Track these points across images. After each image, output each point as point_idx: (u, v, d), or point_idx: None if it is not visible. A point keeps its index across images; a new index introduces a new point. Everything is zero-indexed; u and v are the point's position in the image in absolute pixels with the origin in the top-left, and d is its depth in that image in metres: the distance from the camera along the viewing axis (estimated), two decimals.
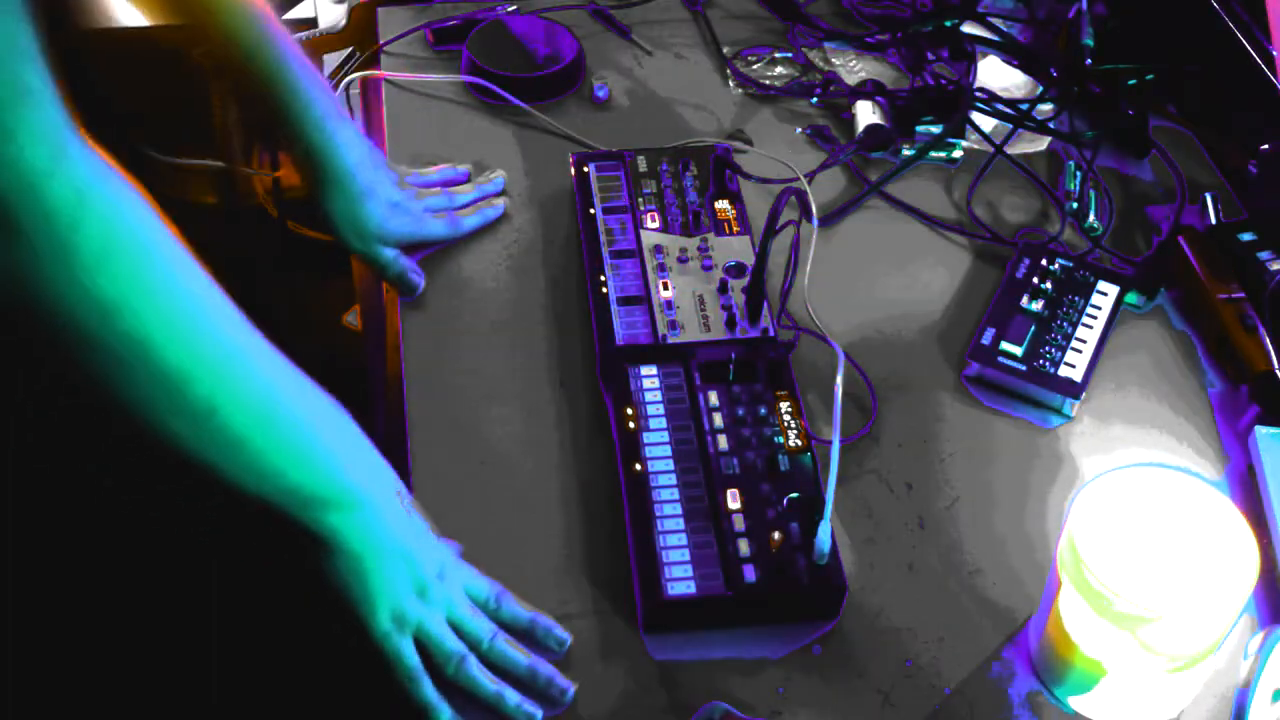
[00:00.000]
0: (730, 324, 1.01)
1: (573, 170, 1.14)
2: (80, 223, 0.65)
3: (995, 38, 1.30)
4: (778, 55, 1.32)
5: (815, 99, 1.26)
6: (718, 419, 0.94)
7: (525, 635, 0.84)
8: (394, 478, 0.84)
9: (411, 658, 0.81)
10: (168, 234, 0.70)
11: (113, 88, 1.23)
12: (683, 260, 1.06)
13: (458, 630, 0.83)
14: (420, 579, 0.82)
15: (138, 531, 0.92)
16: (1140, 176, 1.22)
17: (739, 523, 0.88)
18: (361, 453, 0.81)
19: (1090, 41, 1.24)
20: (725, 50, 1.33)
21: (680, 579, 0.85)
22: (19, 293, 0.65)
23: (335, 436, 0.80)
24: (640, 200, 1.11)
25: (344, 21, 1.55)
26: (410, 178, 1.12)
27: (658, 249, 1.07)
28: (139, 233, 0.68)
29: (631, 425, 0.94)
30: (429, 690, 0.82)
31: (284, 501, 0.78)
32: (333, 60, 1.63)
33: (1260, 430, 0.96)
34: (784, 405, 0.95)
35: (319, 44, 1.59)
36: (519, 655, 0.83)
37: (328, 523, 0.79)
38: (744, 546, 0.87)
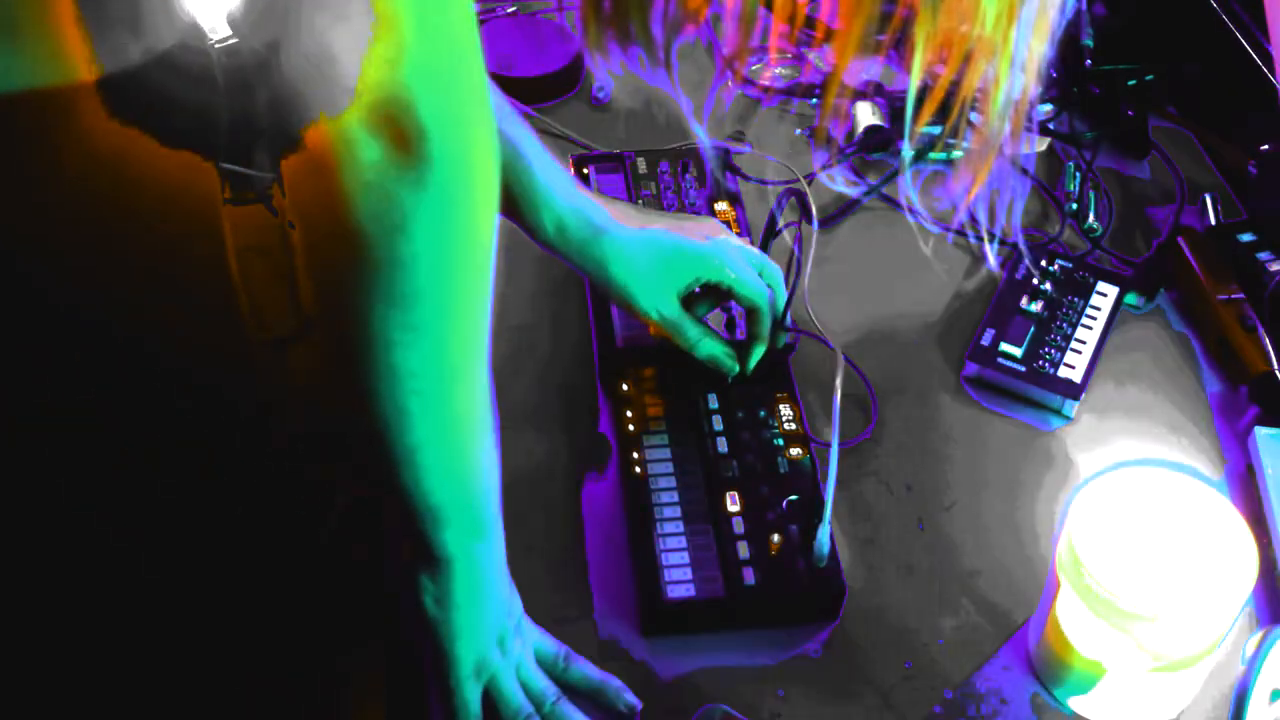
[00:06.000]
0: (730, 326, 1.01)
1: (572, 171, 1.14)
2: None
3: None
4: (778, 55, 1.32)
5: (815, 99, 1.26)
6: (717, 421, 0.94)
7: (595, 697, 0.83)
8: None
9: (477, 706, 0.80)
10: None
11: None
12: None
13: (523, 687, 0.82)
14: (504, 627, 0.81)
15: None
16: (1140, 177, 1.22)
17: (738, 525, 0.88)
18: (498, 484, 0.78)
19: (1090, 41, 1.24)
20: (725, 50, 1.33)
21: (680, 581, 0.86)
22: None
23: (494, 462, 0.76)
24: (640, 202, 1.11)
25: None
26: None
27: None
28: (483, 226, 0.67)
29: (631, 427, 0.94)
30: None
31: (430, 513, 0.74)
32: None
33: (1260, 430, 0.96)
34: (783, 407, 0.95)
35: None
36: (581, 718, 0.82)
37: (454, 545, 0.75)
38: (743, 549, 0.87)
